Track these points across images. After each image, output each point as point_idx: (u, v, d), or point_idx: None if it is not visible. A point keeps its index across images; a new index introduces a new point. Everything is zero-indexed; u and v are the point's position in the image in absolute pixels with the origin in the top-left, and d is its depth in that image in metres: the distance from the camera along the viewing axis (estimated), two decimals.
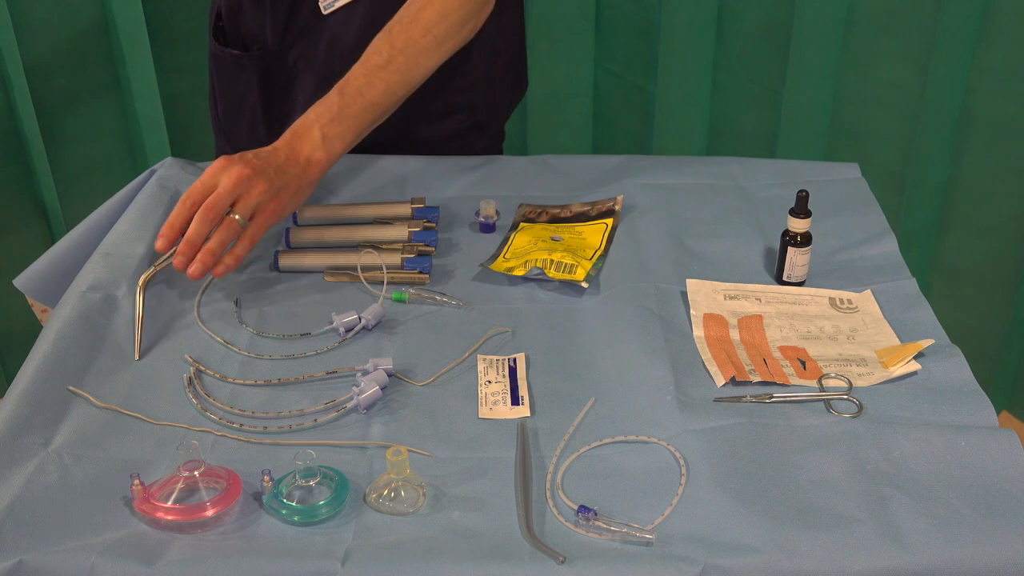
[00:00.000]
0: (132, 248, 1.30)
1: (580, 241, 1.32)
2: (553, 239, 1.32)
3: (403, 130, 1.54)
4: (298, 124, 1.30)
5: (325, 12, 1.45)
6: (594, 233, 1.34)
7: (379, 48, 1.33)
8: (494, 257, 1.30)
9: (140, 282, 1.20)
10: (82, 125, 2.23)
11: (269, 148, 1.27)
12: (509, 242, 1.33)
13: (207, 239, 1.18)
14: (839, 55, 2.08)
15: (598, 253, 1.30)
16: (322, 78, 1.49)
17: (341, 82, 1.32)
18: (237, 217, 1.19)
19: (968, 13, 1.88)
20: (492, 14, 1.49)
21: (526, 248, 1.30)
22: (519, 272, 1.25)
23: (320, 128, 1.28)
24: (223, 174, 1.20)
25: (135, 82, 2.24)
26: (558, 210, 1.40)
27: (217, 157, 1.47)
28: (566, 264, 1.25)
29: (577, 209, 1.40)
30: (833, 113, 2.14)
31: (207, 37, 1.61)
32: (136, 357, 1.14)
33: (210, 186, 1.19)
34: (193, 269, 1.17)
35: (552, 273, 1.24)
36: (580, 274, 1.24)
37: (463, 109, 1.57)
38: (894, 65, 2.00)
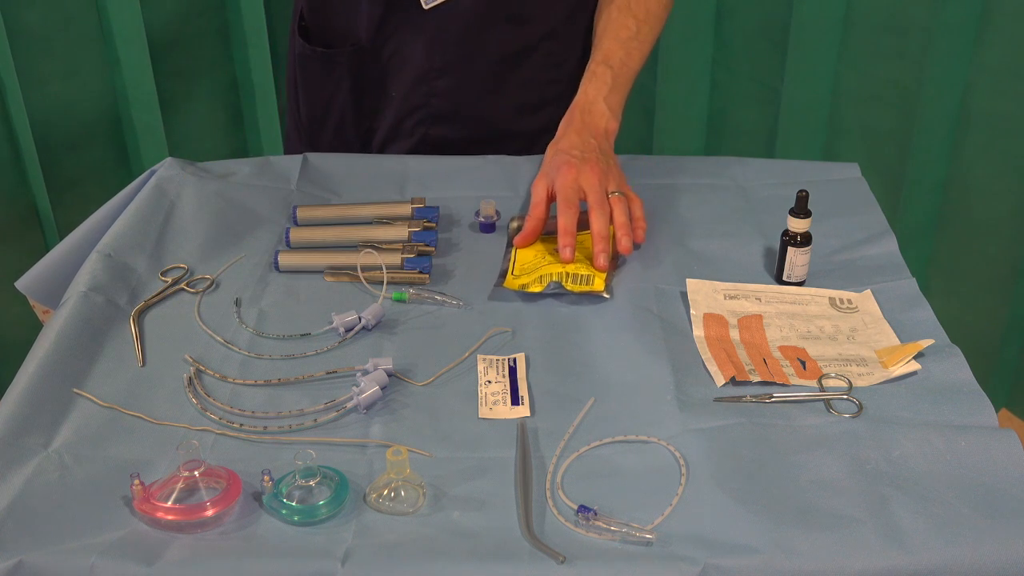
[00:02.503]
0: (133, 257, 1.30)
1: (586, 250, 1.29)
2: (558, 250, 1.30)
3: (504, 124, 1.57)
4: (582, 102, 1.39)
5: (426, 7, 1.46)
6: None
7: (625, 23, 1.46)
8: (503, 274, 1.27)
9: (132, 314, 1.21)
10: (76, 132, 2.21)
11: (577, 140, 1.34)
12: (513, 257, 1.31)
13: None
14: (838, 53, 2.08)
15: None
16: (421, 74, 1.51)
17: (601, 56, 1.43)
18: (617, 192, 1.29)
19: (966, 11, 1.88)
20: (581, 16, 1.55)
21: (534, 262, 1.27)
22: (535, 288, 1.22)
23: (604, 101, 1.39)
24: (581, 181, 1.29)
25: (132, 88, 2.23)
26: (554, 220, 1.38)
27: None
28: (582, 275, 1.23)
29: None
30: (832, 111, 2.14)
31: (285, 37, 1.62)
32: (140, 365, 1.15)
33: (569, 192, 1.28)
34: (624, 245, 1.26)
35: (570, 286, 1.22)
36: (598, 284, 1.22)
37: (553, 101, 1.57)
38: (892, 63, 2.00)
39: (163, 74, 2.23)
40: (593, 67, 1.42)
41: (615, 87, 1.41)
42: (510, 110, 1.57)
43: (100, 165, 2.28)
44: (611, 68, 1.41)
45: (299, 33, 1.59)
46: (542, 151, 1.56)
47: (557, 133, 1.38)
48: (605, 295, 1.22)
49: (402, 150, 1.58)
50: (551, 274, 1.23)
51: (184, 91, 2.29)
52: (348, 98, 1.57)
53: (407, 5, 1.47)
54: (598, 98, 1.39)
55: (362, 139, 1.60)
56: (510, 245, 1.34)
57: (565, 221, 1.27)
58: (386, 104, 1.56)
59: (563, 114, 1.58)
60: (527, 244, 1.31)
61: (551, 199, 1.31)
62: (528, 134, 1.59)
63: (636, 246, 1.31)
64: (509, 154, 1.55)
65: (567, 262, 1.25)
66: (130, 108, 2.26)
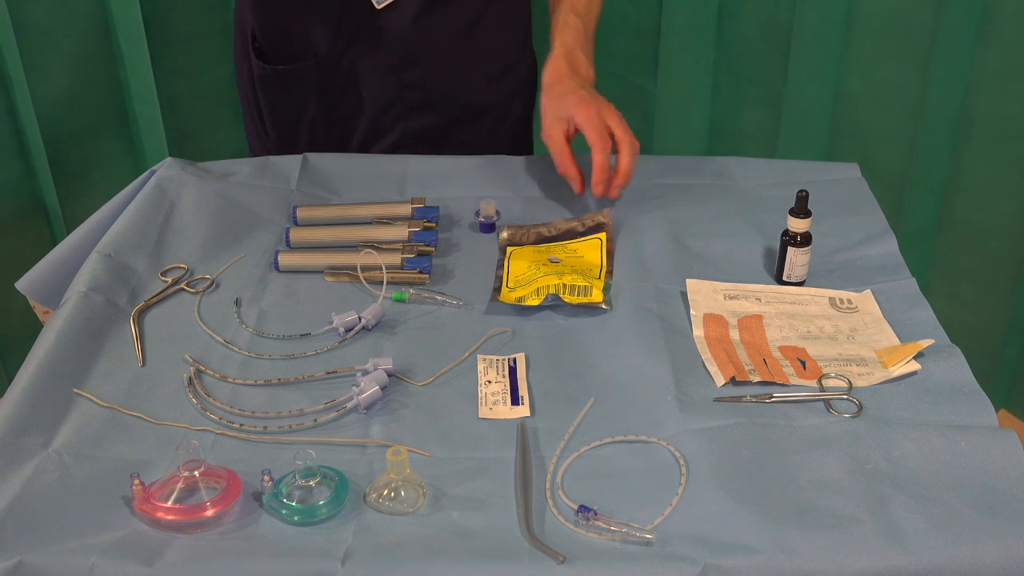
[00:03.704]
0: (133, 257, 1.30)
1: (580, 261, 1.29)
2: (551, 260, 1.29)
3: (477, 99, 1.59)
4: (560, 52, 1.42)
5: (378, 7, 1.47)
6: (591, 250, 1.31)
7: None
8: (497, 289, 1.26)
9: (133, 314, 1.21)
10: (82, 125, 2.23)
11: (574, 84, 1.38)
12: (506, 268, 1.29)
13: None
14: (839, 55, 2.08)
15: (603, 271, 1.27)
16: (389, 69, 1.52)
17: (565, 6, 1.46)
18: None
19: (968, 13, 1.88)
20: None
21: (529, 274, 1.26)
22: (532, 302, 1.21)
23: (581, 49, 1.42)
24: (606, 118, 1.34)
25: (134, 83, 2.24)
26: (543, 229, 1.37)
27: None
28: (579, 287, 1.22)
29: (563, 226, 1.37)
30: (833, 113, 2.14)
31: (228, 61, 1.62)
32: (140, 364, 1.15)
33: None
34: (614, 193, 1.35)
35: (568, 298, 1.21)
36: (597, 295, 1.21)
37: (513, 65, 1.61)
38: (894, 65, 2.00)
39: (165, 71, 2.24)
40: (563, 17, 1.45)
41: (586, 35, 1.44)
42: (478, 84, 1.58)
43: (106, 157, 2.29)
44: (579, 16, 1.44)
45: (255, 55, 1.58)
46: (516, 117, 1.57)
47: (546, 82, 1.41)
48: (603, 306, 1.21)
49: (385, 147, 1.58)
50: (548, 286, 1.23)
51: (187, 88, 2.30)
52: (318, 109, 1.57)
53: (359, 9, 1.47)
54: (576, 47, 1.42)
55: (337, 146, 1.59)
56: (502, 255, 1.33)
57: (600, 159, 1.31)
58: (360, 106, 1.56)
59: (523, 76, 1.61)
60: (580, 185, 1.35)
61: (570, 139, 1.35)
62: (501, 104, 1.62)
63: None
64: (488, 127, 1.57)
65: (599, 196, 1.33)
66: (133, 103, 2.27)
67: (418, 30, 1.49)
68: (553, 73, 1.40)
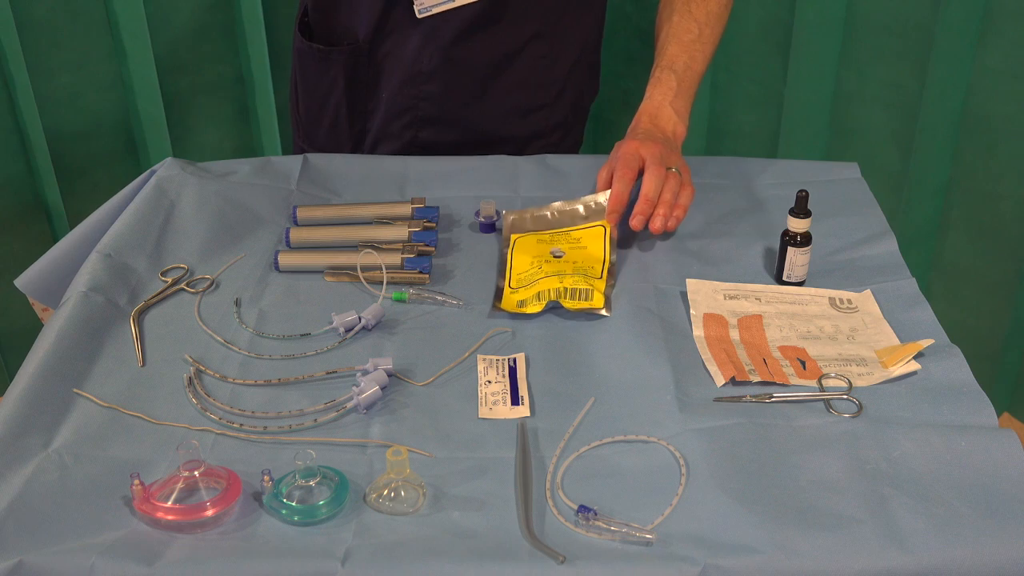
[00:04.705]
0: (133, 257, 1.30)
1: (583, 253, 1.29)
2: (553, 254, 1.29)
3: (492, 129, 1.59)
4: (648, 107, 1.43)
5: (419, 16, 1.48)
6: (594, 240, 1.31)
7: (687, 27, 1.49)
8: (499, 291, 1.25)
9: (133, 314, 1.21)
10: (85, 122, 2.23)
11: (642, 134, 1.38)
12: (509, 265, 1.29)
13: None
14: (839, 55, 2.08)
15: (605, 266, 1.27)
16: (408, 76, 1.54)
17: (664, 62, 1.46)
18: (674, 169, 1.33)
19: (968, 13, 1.88)
20: (572, 18, 1.56)
21: (530, 273, 1.26)
22: (533, 308, 1.20)
23: (670, 105, 1.43)
24: (642, 151, 1.34)
25: (136, 80, 2.24)
26: (546, 211, 1.37)
27: (294, 153, 1.61)
28: (580, 290, 1.22)
29: (565, 208, 1.37)
30: (833, 113, 2.14)
31: (281, 33, 1.64)
32: (140, 365, 1.15)
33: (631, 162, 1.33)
34: (656, 224, 1.29)
35: (568, 303, 1.20)
36: (597, 300, 1.21)
37: (545, 106, 1.60)
38: (894, 65, 2.00)
39: (167, 68, 2.24)
40: (658, 73, 1.46)
41: (680, 92, 1.44)
42: (498, 115, 1.58)
43: (108, 155, 2.30)
44: (675, 73, 1.44)
45: (300, 30, 1.61)
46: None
47: (628, 130, 1.41)
48: (603, 312, 1.20)
49: (392, 152, 1.59)
50: (549, 291, 1.22)
51: (190, 85, 2.30)
52: (342, 98, 1.58)
53: (404, 9, 1.48)
54: (664, 103, 1.42)
55: (355, 139, 1.61)
56: (506, 244, 1.33)
57: (619, 187, 1.30)
58: (377, 105, 1.58)
59: (555, 119, 1.59)
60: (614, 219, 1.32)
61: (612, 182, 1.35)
62: (518, 139, 1.60)
63: (666, 235, 1.34)
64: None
65: (613, 224, 1.31)
66: (136, 100, 2.27)
67: (451, 50, 1.50)
68: (634, 124, 1.43)
